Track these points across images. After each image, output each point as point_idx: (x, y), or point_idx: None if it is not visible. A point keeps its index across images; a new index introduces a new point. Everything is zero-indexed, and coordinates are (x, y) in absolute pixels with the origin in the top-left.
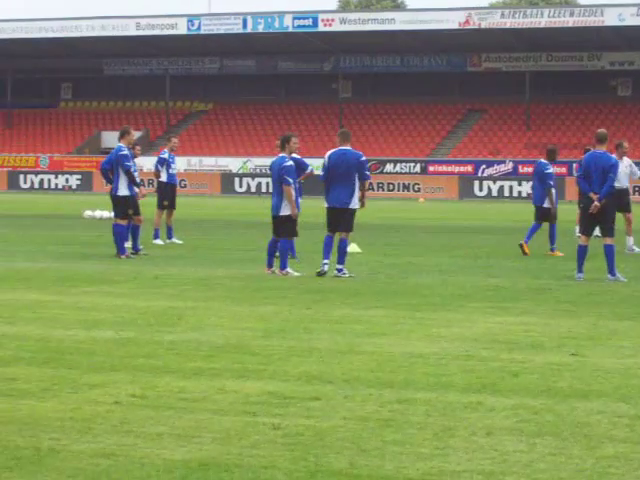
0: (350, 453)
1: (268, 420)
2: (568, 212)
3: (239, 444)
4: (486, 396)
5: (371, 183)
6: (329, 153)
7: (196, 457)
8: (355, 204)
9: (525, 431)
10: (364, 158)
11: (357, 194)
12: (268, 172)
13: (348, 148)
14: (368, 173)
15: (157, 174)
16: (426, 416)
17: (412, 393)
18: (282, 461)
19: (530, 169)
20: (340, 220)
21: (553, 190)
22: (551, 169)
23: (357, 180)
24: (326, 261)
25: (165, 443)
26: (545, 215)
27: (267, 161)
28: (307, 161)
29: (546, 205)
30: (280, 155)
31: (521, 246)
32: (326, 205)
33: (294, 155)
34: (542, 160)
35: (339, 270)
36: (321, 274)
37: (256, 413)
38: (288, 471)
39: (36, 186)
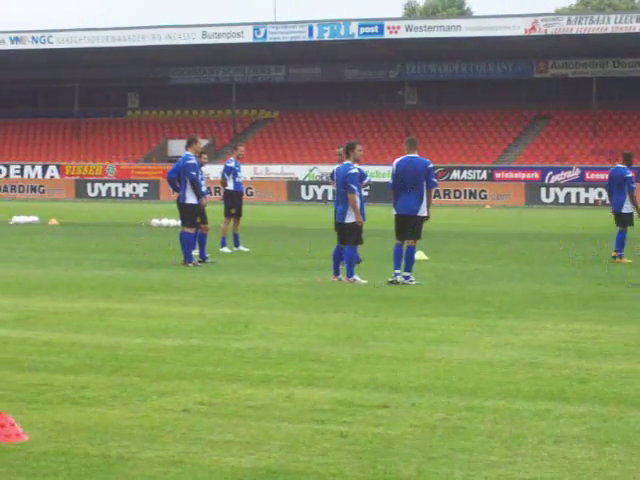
0: (418, 461)
1: (336, 428)
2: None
3: (307, 452)
4: (554, 404)
5: (437, 190)
6: (397, 161)
7: (264, 465)
8: (423, 211)
9: (594, 439)
10: (431, 165)
11: (425, 201)
12: (325, 179)
13: (415, 155)
14: (435, 180)
15: (224, 182)
16: (494, 424)
17: (480, 401)
18: (350, 469)
19: (598, 175)
20: (408, 228)
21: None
22: (631, 173)
23: (425, 187)
24: (398, 271)
25: (233, 451)
26: (625, 220)
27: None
28: (372, 168)
29: (625, 211)
30: (345, 162)
31: (615, 257)
32: (394, 213)
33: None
34: (619, 165)
35: (406, 277)
36: (393, 283)
37: (324, 421)
38: (357, 479)
39: (103, 194)
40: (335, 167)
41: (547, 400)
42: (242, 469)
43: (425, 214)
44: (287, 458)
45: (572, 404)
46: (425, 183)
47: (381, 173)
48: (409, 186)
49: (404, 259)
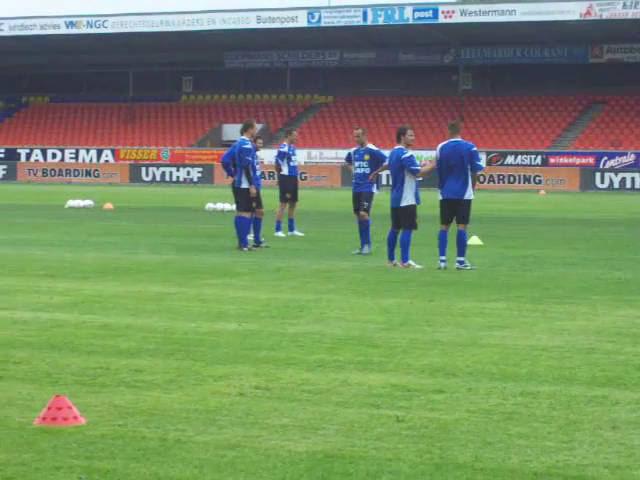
0: (475, 446)
1: (392, 413)
2: None
3: (363, 436)
4: (611, 389)
5: (483, 175)
6: (440, 145)
7: (321, 449)
8: (470, 195)
9: None
10: (475, 148)
11: (471, 184)
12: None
13: (459, 140)
14: (480, 163)
15: (278, 168)
16: (550, 409)
17: (536, 386)
18: (407, 453)
19: None
20: (455, 212)
21: None
22: None
23: (470, 171)
24: (443, 257)
25: (290, 435)
26: None
27: (386, 154)
28: (426, 153)
29: None
30: (397, 147)
31: None
32: (440, 197)
33: (370, 146)
34: None
35: (460, 262)
36: (441, 270)
37: (380, 405)
38: (413, 464)
39: (158, 179)
40: (353, 150)
41: (603, 386)
42: (298, 453)
43: (472, 197)
44: (343, 443)
45: (629, 390)
46: (470, 166)
47: (434, 158)
48: (454, 170)
49: (456, 245)
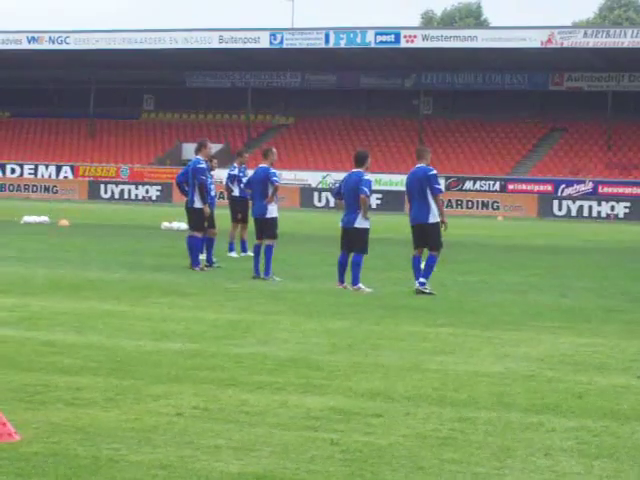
0: (406, 470)
1: (328, 436)
2: None
3: (297, 458)
4: (548, 417)
5: (443, 199)
6: (409, 173)
7: (252, 470)
8: (434, 218)
9: (584, 453)
10: (433, 172)
11: (434, 209)
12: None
13: (421, 165)
14: (438, 187)
15: (229, 190)
16: (485, 435)
17: (473, 412)
18: (338, 476)
19: (611, 189)
20: (423, 236)
21: None
22: None
23: (430, 195)
24: (422, 280)
25: (223, 455)
26: None
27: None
28: (386, 177)
29: None
30: (356, 170)
31: None
32: (410, 224)
33: None
34: None
35: (421, 284)
36: (418, 292)
37: (317, 428)
38: None
39: (116, 196)
40: (251, 173)
41: (540, 413)
42: (230, 474)
43: (436, 220)
44: (275, 464)
45: (565, 417)
46: (430, 191)
47: (394, 182)
48: (416, 195)
49: (425, 266)
